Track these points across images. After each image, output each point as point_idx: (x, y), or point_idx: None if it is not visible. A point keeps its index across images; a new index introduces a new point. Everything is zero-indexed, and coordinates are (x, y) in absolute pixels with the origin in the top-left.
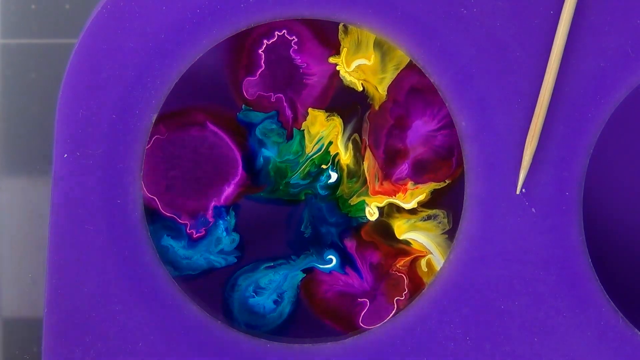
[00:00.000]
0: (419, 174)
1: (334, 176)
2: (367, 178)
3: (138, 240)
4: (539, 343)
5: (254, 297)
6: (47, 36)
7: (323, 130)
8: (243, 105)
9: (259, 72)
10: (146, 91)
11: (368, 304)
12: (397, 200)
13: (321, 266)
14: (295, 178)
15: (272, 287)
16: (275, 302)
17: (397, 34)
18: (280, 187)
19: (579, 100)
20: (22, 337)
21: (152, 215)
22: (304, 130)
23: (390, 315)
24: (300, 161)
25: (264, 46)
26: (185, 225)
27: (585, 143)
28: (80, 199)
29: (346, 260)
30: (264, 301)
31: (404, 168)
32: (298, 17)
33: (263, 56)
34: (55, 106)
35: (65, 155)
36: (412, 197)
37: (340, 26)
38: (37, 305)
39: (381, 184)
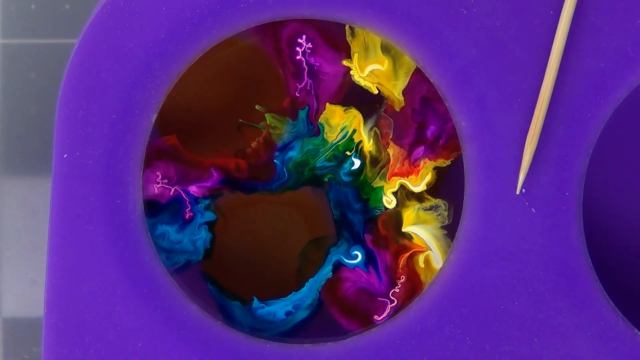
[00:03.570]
0: (434, 153)
1: (357, 163)
2: (391, 161)
3: (138, 240)
4: (539, 343)
5: (263, 307)
6: (47, 36)
7: (344, 121)
8: (266, 116)
9: (305, 73)
10: (146, 91)
11: (388, 304)
12: (407, 182)
13: (348, 261)
14: (321, 161)
15: (292, 299)
16: (288, 313)
17: (396, 33)
18: (305, 173)
19: (579, 100)
20: (22, 337)
21: (152, 208)
22: (323, 123)
23: (388, 314)
24: (321, 150)
25: (299, 54)
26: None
27: (585, 143)
28: (80, 199)
29: (369, 258)
30: (276, 310)
31: (420, 150)
32: (298, 17)
33: (304, 60)
34: (55, 106)
35: (65, 155)
36: (422, 179)
37: (347, 27)
38: (37, 305)
39: (402, 165)
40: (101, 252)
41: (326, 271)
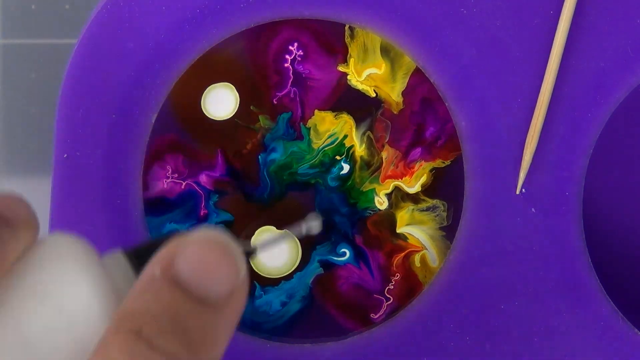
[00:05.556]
0: (431, 155)
1: (346, 168)
2: (384, 164)
3: (138, 240)
4: (539, 343)
5: (261, 296)
6: (47, 36)
7: (334, 127)
8: (260, 116)
9: (289, 82)
10: (146, 91)
11: (384, 302)
12: (402, 184)
13: (336, 259)
14: (303, 168)
15: (284, 287)
16: (283, 303)
17: (396, 33)
18: (284, 177)
19: (579, 100)
20: None
21: (159, 205)
22: (310, 127)
23: (388, 314)
24: (307, 157)
25: (288, 62)
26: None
27: (585, 143)
28: (80, 199)
29: (359, 255)
30: (272, 299)
31: (417, 151)
32: (298, 17)
33: (291, 69)
34: (55, 106)
35: (65, 155)
36: (416, 180)
37: (347, 28)
38: None
39: (396, 167)
40: (101, 253)
41: (314, 267)
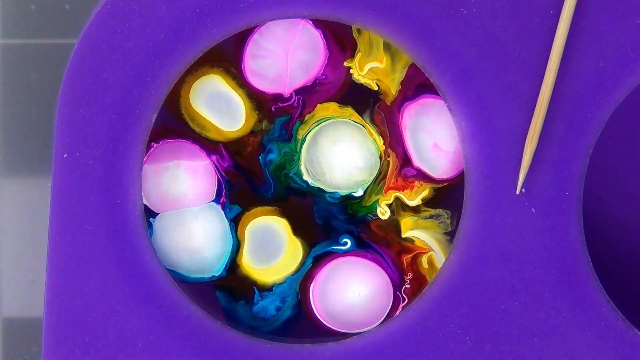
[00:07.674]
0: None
1: (360, 192)
2: (388, 174)
3: (138, 240)
4: (539, 343)
5: (258, 302)
6: (47, 36)
7: (335, 114)
8: (264, 121)
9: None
10: (146, 91)
11: (400, 302)
12: (403, 196)
13: (336, 247)
14: (293, 171)
15: (277, 291)
16: (277, 308)
17: (396, 33)
18: (282, 178)
19: (579, 100)
20: (22, 337)
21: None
22: (300, 123)
23: (388, 313)
24: (295, 158)
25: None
26: None
27: (585, 143)
28: (80, 199)
29: (362, 244)
30: (267, 304)
31: (417, 176)
32: (298, 17)
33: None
34: (55, 106)
35: (65, 155)
36: (417, 194)
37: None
38: (37, 305)
39: (396, 180)
40: (101, 252)
41: (305, 264)
